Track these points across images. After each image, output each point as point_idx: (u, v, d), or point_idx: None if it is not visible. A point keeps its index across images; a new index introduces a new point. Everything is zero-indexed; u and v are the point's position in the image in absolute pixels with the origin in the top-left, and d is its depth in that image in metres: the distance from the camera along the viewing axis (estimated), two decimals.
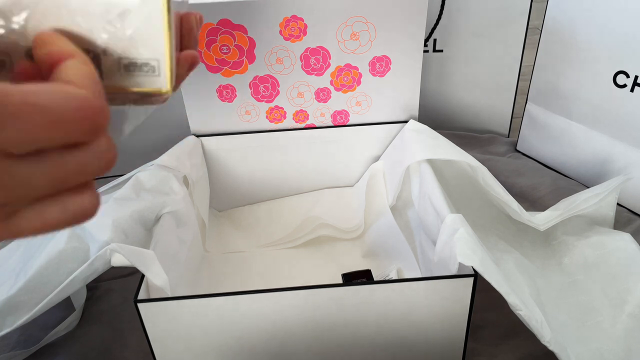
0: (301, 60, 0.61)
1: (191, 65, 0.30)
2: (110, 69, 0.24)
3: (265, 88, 0.63)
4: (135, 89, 0.25)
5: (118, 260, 0.43)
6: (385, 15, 0.59)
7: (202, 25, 0.37)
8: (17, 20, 0.23)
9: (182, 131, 0.65)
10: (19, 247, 0.53)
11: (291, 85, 0.63)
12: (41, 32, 0.23)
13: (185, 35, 0.31)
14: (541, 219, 0.56)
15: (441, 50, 0.80)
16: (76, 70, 0.21)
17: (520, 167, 0.76)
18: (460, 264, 0.42)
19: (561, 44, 0.69)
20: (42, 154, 0.19)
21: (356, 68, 0.63)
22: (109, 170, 0.21)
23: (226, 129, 0.66)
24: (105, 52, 0.24)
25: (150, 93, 0.25)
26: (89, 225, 0.46)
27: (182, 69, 0.29)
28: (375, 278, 0.59)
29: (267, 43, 0.60)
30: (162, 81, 0.25)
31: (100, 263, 0.43)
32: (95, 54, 0.24)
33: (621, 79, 0.63)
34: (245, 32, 0.59)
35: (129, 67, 0.25)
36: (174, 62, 0.26)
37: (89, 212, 0.21)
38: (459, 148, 0.58)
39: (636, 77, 0.62)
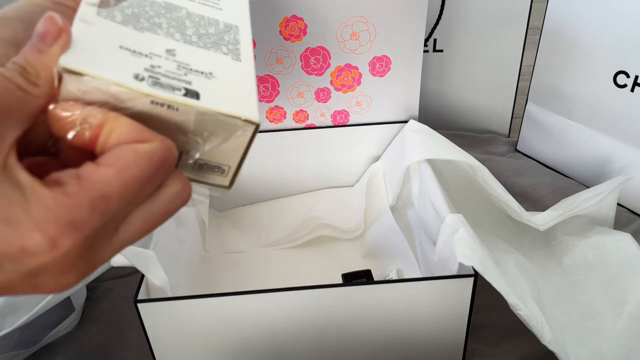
0: (301, 60, 0.61)
1: None
2: (184, 163, 0.25)
3: (265, 88, 0.63)
4: (202, 181, 0.26)
5: (118, 260, 0.43)
6: (386, 15, 0.59)
7: None
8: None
9: None
10: None
11: (291, 85, 0.63)
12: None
13: None
14: (541, 219, 0.56)
15: (441, 50, 0.80)
16: (124, 124, 0.21)
17: (521, 167, 0.75)
18: (460, 264, 0.42)
19: (561, 44, 0.68)
20: (132, 213, 0.21)
21: (356, 68, 0.63)
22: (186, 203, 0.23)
23: None
24: (188, 152, 0.25)
25: (212, 185, 0.27)
26: None
27: None
28: (375, 278, 0.59)
29: (267, 43, 0.60)
30: (226, 180, 0.27)
31: None
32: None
33: (621, 79, 0.63)
34: None
35: (203, 167, 0.26)
36: (242, 166, 0.27)
37: (185, 199, 0.23)
38: (459, 148, 0.58)
39: (636, 77, 0.61)
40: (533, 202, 0.69)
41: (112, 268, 0.44)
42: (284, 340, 0.44)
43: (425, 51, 0.80)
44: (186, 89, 0.23)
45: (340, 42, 0.60)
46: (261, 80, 0.63)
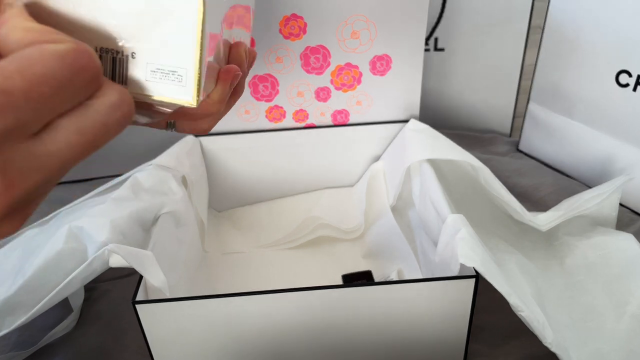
0: (301, 59, 0.61)
1: (233, 81, 0.30)
2: (136, 74, 0.24)
3: (264, 87, 0.63)
4: (158, 97, 0.24)
5: (116, 261, 0.42)
6: (386, 13, 0.58)
7: (253, 61, 0.37)
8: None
9: None
10: (17, 247, 0.53)
11: (291, 84, 0.63)
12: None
13: (233, 62, 0.31)
14: (543, 220, 0.55)
15: (442, 49, 0.80)
16: (26, 25, 0.20)
17: (522, 167, 0.75)
18: (461, 264, 0.42)
19: (563, 43, 0.68)
20: (56, 123, 0.19)
21: (356, 67, 0.62)
22: (131, 118, 0.21)
23: (225, 129, 0.65)
24: (133, 54, 0.23)
25: (173, 103, 0.25)
26: (87, 225, 0.46)
27: (224, 85, 0.29)
28: (376, 279, 0.58)
29: (267, 42, 0.59)
30: (187, 92, 0.25)
31: (98, 264, 0.43)
32: (122, 55, 0.24)
33: (624, 78, 0.63)
34: None
35: (156, 72, 0.24)
36: (203, 75, 0.25)
37: (124, 106, 0.21)
38: (460, 148, 0.58)
39: (638, 76, 0.61)
40: (534, 202, 0.69)
41: (111, 269, 0.44)
42: (283, 342, 0.43)
43: (426, 50, 0.79)
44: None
45: (341, 41, 0.60)
46: (261, 79, 0.62)
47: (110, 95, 0.20)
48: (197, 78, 0.25)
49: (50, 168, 0.19)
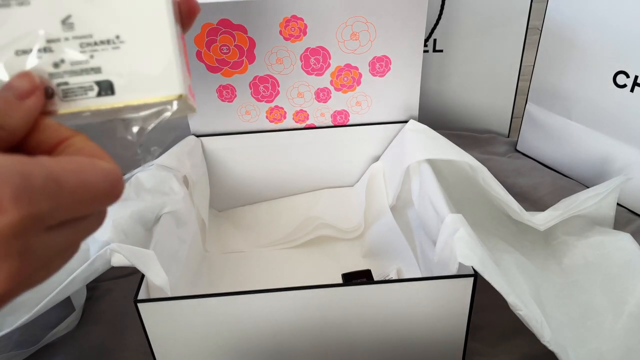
0: (301, 60, 0.61)
1: (190, 10, 0.28)
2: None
3: (265, 88, 0.63)
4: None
5: (118, 260, 0.43)
6: (385, 15, 0.59)
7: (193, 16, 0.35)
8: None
9: (182, 131, 0.65)
10: None
11: (291, 85, 0.63)
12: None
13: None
14: (541, 219, 0.56)
15: (441, 50, 0.80)
16: (89, 144, 0.22)
17: (520, 167, 0.76)
18: (460, 264, 0.42)
19: (561, 44, 0.68)
20: (67, 224, 0.20)
21: (356, 68, 0.63)
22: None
23: (226, 129, 0.66)
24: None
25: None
26: None
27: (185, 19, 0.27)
28: (375, 278, 0.59)
29: (267, 43, 0.60)
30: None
31: (100, 263, 0.43)
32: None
33: (621, 79, 0.63)
34: (245, 32, 0.59)
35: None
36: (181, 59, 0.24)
37: (73, 255, 0.22)
38: (459, 148, 0.58)
39: (636, 77, 0.62)
40: (533, 202, 0.69)
41: (112, 268, 0.44)
42: (283, 340, 0.44)
43: (425, 51, 0.80)
44: (98, 83, 0.22)
45: (340, 42, 0.60)
46: (261, 80, 0.63)
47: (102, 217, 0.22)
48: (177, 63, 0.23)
49: (48, 257, 0.20)
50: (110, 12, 0.22)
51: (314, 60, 0.62)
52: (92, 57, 0.22)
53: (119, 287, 0.60)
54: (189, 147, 0.63)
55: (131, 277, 0.61)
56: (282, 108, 0.65)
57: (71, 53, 0.22)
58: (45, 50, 0.22)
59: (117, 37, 0.22)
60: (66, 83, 0.22)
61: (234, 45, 0.59)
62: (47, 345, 0.53)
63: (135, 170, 0.56)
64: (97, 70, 0.22)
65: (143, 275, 0.43)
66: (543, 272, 0.56)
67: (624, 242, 0.55)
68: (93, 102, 0.22)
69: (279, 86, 0.63)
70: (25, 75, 0.21)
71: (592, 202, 0.57)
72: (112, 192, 0.21)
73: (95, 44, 0.22)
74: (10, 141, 0.21)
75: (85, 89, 0.22)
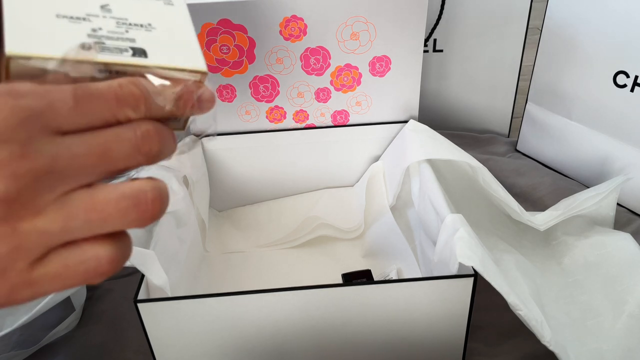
0: (301, 60, 0.61)
1: None
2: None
3: (265, 88, 0.63)
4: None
5: None
6: (385, 15, 0.59)
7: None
8: None
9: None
10: None
11: (291, 85, 0.63)
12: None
13: None
14: (541, 219, 0.56)
15: (441, 50, 0.80)
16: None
17: (520, 167, 0.75)
18: (460, 264, 0.42)
19: (561, 43, 0.68)
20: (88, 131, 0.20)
21: (356, 68, 0.63)
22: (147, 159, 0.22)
23: (226, 129, 0.66)
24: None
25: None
26: None
27: None
28: (375, 278, 0.59)
29: (267, 43, 0.60)
30: (195, 57, 0.26)
31: None
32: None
33: (621, 79, 0.63)
34: (245, 32, 0.59)
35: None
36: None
37: (102, 265, 0.20)
38: (459, 148, 0.58)
39: (636, 77, 0.62)
40: (533, 202, 0.69)
41: None
42: (283, 340, 0.44)
43: (425, 51, 0.80)
44: (132, 48, 0.24)
45: (340, 42, 0.60)
46: (261, 80, 0.63)
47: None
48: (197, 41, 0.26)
49: (74, 171, 0.20)
50: (143, 8, 0.26)
51: (314, 60, 0.62)
52: (127, 31, 0.24)
53: (119, 287, 0.60)
54: (188, 147, 0.62)
55: (131, 277, 0.61)
56: (282, 108, 0.65)
57: (108, 25, 0.24)
58: (84, 19, 0.24)
59: (149, 24, 0.25)
60: (103, 43, 0.23)
61: (234, 45, 0.59)
62: (47, 345, 0.53)
63: (135, 171, 0.56)
64: (132, 40, 0.24)
65: (143, 275, 0.43)
66: (543, 272, 0.56)
67: (624, 242, 0.55)
68: (127, 60, 0.23)
69: (279, 86, 0.63)
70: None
71: (592, 202, 0.57)
72: (127, 99, 0.21)
73: (130, 24, 0.25)
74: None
75: (120, 50, 0.23)
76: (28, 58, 0.21)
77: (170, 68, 0.24)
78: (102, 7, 0.25)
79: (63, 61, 0.22)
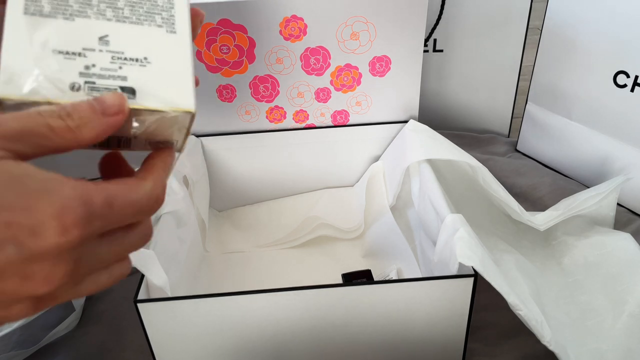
0: (301, 60, 0.61)
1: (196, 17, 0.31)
2: (135, 142, 0.26)
3: (265, 88, 0.63)
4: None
5: None
6: (385, 15, 0.59)
7: (202, 25, 0.39)
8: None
9: None
10: None
11: (291, 85, 0.63)
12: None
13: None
14: (541, 219, 0.56)
15: (441, 50, 0.80)
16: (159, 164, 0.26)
17: (521, 167, 0.75)
18: (460, 264, 0.42)
19: (561, 44, 0.68)
20: (113, 233, 0.23)
21: (356, 68, 0.63)
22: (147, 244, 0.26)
23: (226, 129, 0.66)
24: (135, 137, 0.26)
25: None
26: None
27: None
28: (375, 278, 0.59)
29: (267, 43, 0.60)
30: (177, 147, 0.27)
31: None
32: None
33: (621, 79, 0.63)
34: (245, 32, 0.59)
35: (152, 144, 0.27)
36: (188, 136, 0.28)
37: (125, 275, 0.26)
38: (459, 148, 0.58)
39: (636, 77, 0.62)
40: (533, 202, 0.69)
41: None
42: (284, 340, 0.44)
43: (425, 51, 0.80)
44: (122, 88, 0.24)
45: (340, 42, 0.60)
46: (261, 80, 0.63)
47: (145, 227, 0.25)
48: (184, 140, 0.27)
49: (98, 265, 0.24)
50: (143, 38, 0.26)
51: (314, 60, 0.62)
52: (120, 67, 0.25)
53: (119, 287, 0.59)
54: (188, 147, 0.63)
55: (131, 277, 0.60)
56: (282, 108, 0.65)
57: (102, 61, 0.25)
58: (79, 54, 0.24)
59: (145, 58, 0.26)
60: (93, 82, 0.24)
61: (234, 45, 0.59)
62: (47, 345, 0.53)
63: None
64: (123, 78, 0.25)
65: (143, 275, 0.43)
66: (543, 272, 0.56)
67: (624, 242, 0.55)
68: None
69: (279, 86, 0.63)
70: (119, 96, 0.24)
71: (592, 202, 0.57)
72: (152, 207, 0.24)
73: (125, 59, 0.25)
74: (70, 147, 0.23)
75: (109, 90, 0.24)
76: (19, 102, 0.23)
77: (156, 110, 0.25)
78: (101, 38, 0.25)
79: (50, 103, 0.23)
